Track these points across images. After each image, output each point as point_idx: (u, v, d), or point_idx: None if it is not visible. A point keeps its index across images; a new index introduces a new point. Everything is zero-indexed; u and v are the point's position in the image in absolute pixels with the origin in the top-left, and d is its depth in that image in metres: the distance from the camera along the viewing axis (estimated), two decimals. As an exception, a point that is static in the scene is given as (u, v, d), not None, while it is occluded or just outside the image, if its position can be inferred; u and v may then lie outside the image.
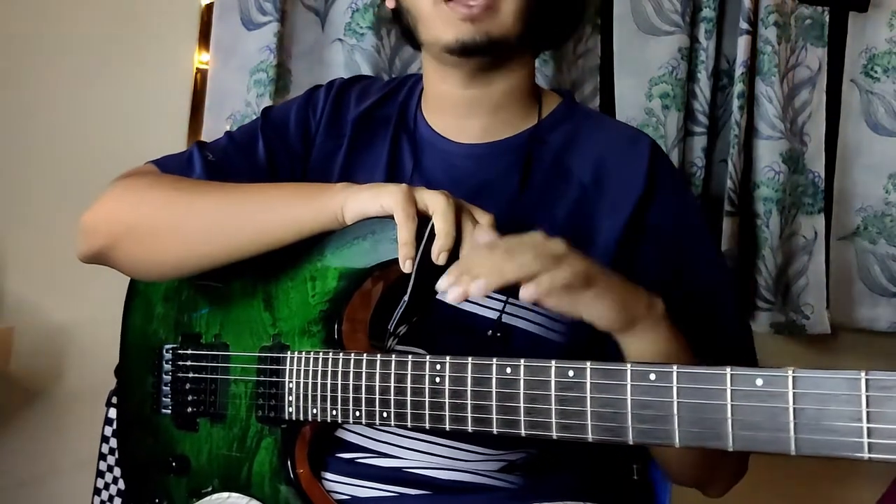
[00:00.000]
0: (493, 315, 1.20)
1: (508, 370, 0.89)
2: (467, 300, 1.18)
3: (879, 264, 2.35)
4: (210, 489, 1.24)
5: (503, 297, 1.19)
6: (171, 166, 1.32)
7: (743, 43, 2.21)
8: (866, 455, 0.68)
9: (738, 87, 2.21)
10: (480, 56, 1.23)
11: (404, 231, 1.01)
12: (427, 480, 1.19)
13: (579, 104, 1.43)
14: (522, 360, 0.88)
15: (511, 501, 1.20)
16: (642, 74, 2.24)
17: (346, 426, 1.20)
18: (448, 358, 0.95)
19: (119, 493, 1.67)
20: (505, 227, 1.21)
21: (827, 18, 2.33)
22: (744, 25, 2.21)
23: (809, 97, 2.32)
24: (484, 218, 1.05)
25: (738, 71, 2.21)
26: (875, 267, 2.36)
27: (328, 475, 1.20)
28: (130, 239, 1.23)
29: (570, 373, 0.83)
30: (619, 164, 1.26)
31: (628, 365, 0.78)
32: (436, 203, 1.01)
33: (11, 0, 2.13)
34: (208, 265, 1.21)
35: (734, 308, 1.29)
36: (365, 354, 1.05)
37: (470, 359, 0.94)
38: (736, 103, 2.21)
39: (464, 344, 1.19)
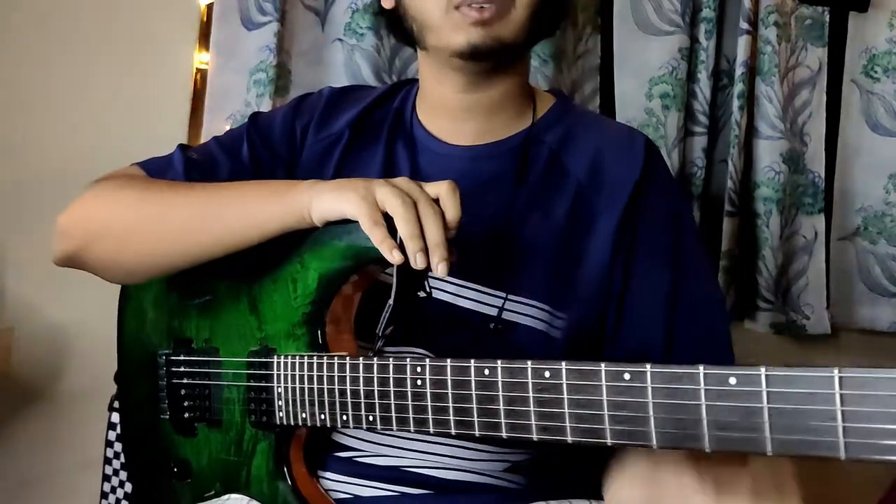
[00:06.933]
0: (491, 311, 1.20)
1: (487, 372, 0.89)
2: (465, 297, 1.19)
3: (879, 264, 2.35)
4: (213, 493, 1.25)
5: (503, 294, 1.20)
6: (154, 167, 1.33)
7: (743, 43, 2.21)
8: (843, 455, 0.67)
9: (739, 87, 2.20)
10: (488, 60, 1.23)
11: (376, 235, 1.01)
12: (430, 480, 1.19)
13: (574, 104, 1.44)
14: (500, 361, 0.88)
15: (515, 501, 1.21)
16: (642, 74, 2.24)
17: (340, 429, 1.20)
18: (428, 361, 0.95)
19: (126, 496, 1.68)
20: (503, 226, 1.21)
21: (827, 18, 2.32)
22: (744, 25, 2.21)
23: (809, 97, 2.32)
24: (450, 209, 1.04)
25: (739, 71, 2.21)
26: (875, 267, 2.35)
27: (328, 475, 1.20)
28: (102, 240, 1.24)
29: (547, 373, 0.83)
30: (614, 159, 1.27)
31: (602, 364, 0.78)
32: (394, 207, 1.01)
33: (12, 0, 2.14)
34: (180, 265, 1.22)
35: (724, 326, 1.29)
36: (348, 358, 1.05)
37: (449, 361, 0.93)
38: (736, 103, 2.21)
39: (463, 341, 1.19)
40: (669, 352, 1.23)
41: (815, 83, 2.33)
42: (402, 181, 1.05)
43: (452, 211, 1.03)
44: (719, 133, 2.31)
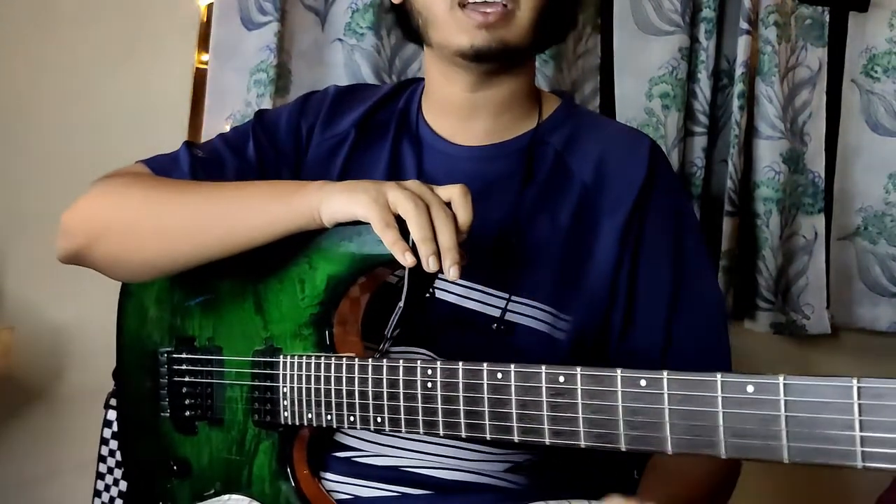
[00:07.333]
0: (493, 312, 1.20)
1: (500, 375, 0.88)
2: (469, 298, 1.19)
3: (879, 264, 2.35)
4: (212, 492, 1.24)
5: (506, 295, 1.20)
6: (160, 164, 1.32)
7: (743, 43, 2.21)
8: (860, 464, 0.67)
9: (739, 87, 2.21)
10: (492, 62, 1.23)
11: (388, 237, 1.00)
12: (430, 480, 1.19)
13: (578, 106, 1.45)
14: (513, 366, 0.88)
15: (515, 501, 1.20)
16: (642, 74, 2.24)
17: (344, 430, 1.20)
18: (439, 363, 0.95)
19: (120, 494, 1.67)
20: (508, 228, 1.21)
21: (827, 18, 2.33)
22: (744, 25, 2.21)
23: (809, 97, 2.32)
24: (462, 213, 1.03)
25: (739, 71, 2.21)
26: (875, 267, 2.35)
27: (329, 475, 1.20)
28: (107, 238, 1.23)
29: (561, 378, 0.83)
30: (619, 163, 1.27)
31: (618, 371, 0.78)
32: (407, 210, 1.00)
33: (11, 0, 2.14)
34: (184, 264, 1.20)
35: (723, 328, 1.30)
36: (357, 360, 1.05)
37: (461, 364, 0.93)
38: (736, 103, 2.21)
39: (466, 341, 1.19)
40: (666, 353, 1.23)
41: (815, 83, 2.33)
42: (414, 184, 1.04)
43: (465, 215, 1.02)
44: (719, 133, 2.31)
